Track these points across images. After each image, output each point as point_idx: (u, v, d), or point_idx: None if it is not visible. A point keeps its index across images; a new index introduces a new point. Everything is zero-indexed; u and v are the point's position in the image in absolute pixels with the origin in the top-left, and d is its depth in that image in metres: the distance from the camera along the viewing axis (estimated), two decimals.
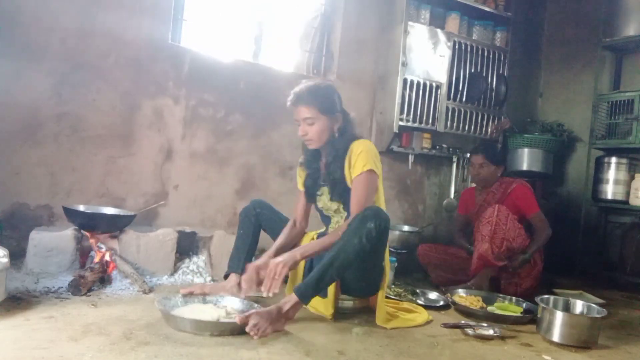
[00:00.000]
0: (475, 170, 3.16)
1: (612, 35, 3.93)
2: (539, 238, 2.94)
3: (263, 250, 2.40)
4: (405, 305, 2.42)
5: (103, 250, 2.41)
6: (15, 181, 2.74)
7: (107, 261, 2.35)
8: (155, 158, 3.11)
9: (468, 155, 4.00)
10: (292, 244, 2.33)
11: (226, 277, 2.33)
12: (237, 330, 1.81)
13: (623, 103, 3.82)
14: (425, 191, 4.23)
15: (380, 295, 2.15)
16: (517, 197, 3.03)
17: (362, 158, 2.09)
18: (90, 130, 2.91)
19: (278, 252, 2.18)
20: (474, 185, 3.42)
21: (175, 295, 2.10)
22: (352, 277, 2.09)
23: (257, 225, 2.39)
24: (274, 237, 2.38)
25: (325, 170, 2.23)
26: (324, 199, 2.30)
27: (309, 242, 2.17)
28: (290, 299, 1.92)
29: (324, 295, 2.11)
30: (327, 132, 2.14)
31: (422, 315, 2.30)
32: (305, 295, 1.92)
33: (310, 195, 2.34)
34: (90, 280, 2.18)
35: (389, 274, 2.22)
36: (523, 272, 2.93)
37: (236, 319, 1.81)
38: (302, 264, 2.27)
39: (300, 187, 2.40)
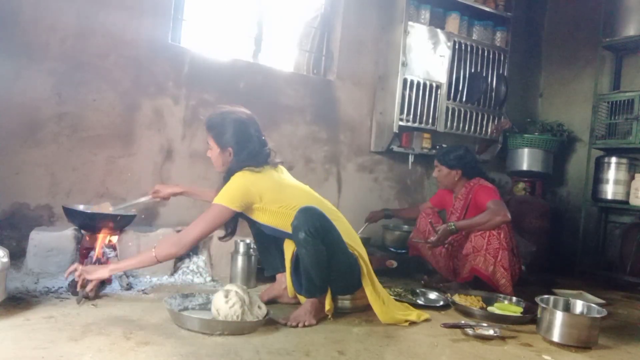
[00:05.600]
0: (434, 173, 3.14)
1: (612, 35, 3.92)
2: (480, 216, 2.74)
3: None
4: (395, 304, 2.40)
5: (97, 251, 2.40)
6: (15, 181, 2.73)
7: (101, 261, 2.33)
8: (155, 158, 3.11)
9: None
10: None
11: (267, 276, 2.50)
12: (247, 329, 1.85)
13: (623, 103, 3.82)
14: (425, 191, 4.22)
15: (367, 288, 2.17)
16: (477, 197, 2.91)
17: (222, 190, 2.12)
18: (90, 130, 2.90)
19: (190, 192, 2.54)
20: None
21: (176, 294, 2.11)
22: (332, 277, 2.15)
23: None
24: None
25: None
26: None
27: (128, 260, 2.15)
28: (306, 301, 2.12)
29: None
30: (220, 161, 2.23)
31: (414, 312, 2.30)
32: (310, 293, 2.12)
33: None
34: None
35: (369, 265, 2.23)
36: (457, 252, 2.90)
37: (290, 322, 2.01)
38: (288, 267, 2.28)
39: None
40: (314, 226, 2.02)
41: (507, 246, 2.74)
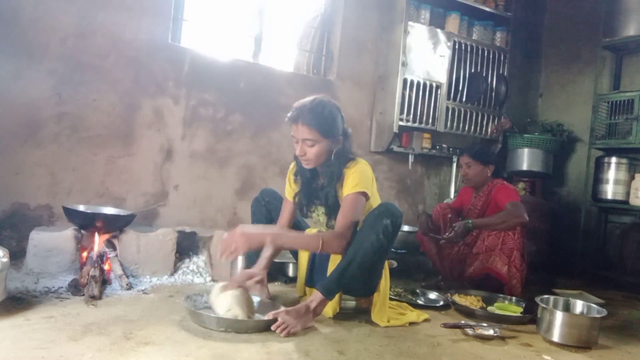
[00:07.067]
0: (464, 171, 3.05)
1: (612, 35, 3.92)
2: (497, 216, 2.74)
3: None
4: (393, 305, 2.38)
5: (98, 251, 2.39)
6: (15, 181, 2.74)
7: (101, 265, 2.32)
8: (155, 158, 3.11)
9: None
10: (279, 252, 2.29)
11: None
12: (263, 327, 1.88)
13: (623, 103, 3.81)
14: (425, 191, 4.23)
15: (377, 296, 2.15)
16: (497, 196, 2.89)
17: (354, 178, 2.08)
18: (90, 130, 2.91)
19: (269, 262, 2.18)
20: None
21: (202, 294, 2.12)
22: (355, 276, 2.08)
23: (268, 216, 2.40)
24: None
25: (321, 192, 2.19)
26: (315, 216, 2.28)
27: (293, 233, 2.15)
28: (316, 297, 1.99)
29: None
30: (326, 154, 2.08)
31: (413, 313, 2.29)
32: (329, 292, 2.01)
33: (302, 210, 2.31)
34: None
35: (388, 278, 2.22)
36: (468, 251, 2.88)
37: (268, 315, 1.90)
38: (304, 261, 2.29)
39: (289, 197, 2.31)
40: (398, 222, 2.03)
41: (519, 247, 2.74)
